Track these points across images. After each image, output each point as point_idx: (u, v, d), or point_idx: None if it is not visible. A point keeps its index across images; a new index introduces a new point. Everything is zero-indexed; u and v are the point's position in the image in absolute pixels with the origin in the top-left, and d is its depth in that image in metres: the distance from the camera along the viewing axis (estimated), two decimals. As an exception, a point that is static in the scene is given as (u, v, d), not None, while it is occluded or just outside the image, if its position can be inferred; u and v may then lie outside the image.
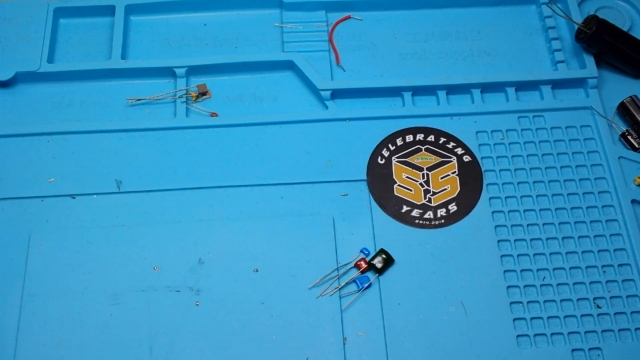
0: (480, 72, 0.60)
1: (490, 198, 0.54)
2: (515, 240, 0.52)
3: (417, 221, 0.53)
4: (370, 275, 0.51)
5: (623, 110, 0.58)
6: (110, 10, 0.62)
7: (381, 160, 0.56)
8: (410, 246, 0.52)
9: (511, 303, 0.50)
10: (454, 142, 0.56)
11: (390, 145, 0.56)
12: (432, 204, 0.54)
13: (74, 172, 0.55)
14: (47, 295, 0.50)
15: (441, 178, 0.55)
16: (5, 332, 0.49)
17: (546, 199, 0.54)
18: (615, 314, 0.50)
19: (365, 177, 0.55)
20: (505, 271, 0.51)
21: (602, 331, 0.49)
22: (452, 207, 0.54)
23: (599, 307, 0.50)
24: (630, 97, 0.58)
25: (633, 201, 0.54)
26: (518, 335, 0.49)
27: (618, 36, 0.59)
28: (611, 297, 0.51)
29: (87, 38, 0.62)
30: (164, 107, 0.58)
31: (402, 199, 0.54)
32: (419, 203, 0.54)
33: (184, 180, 0.54)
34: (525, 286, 0.51)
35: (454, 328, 0.49)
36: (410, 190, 0.54)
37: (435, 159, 0.56)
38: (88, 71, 0.59)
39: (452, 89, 0.59)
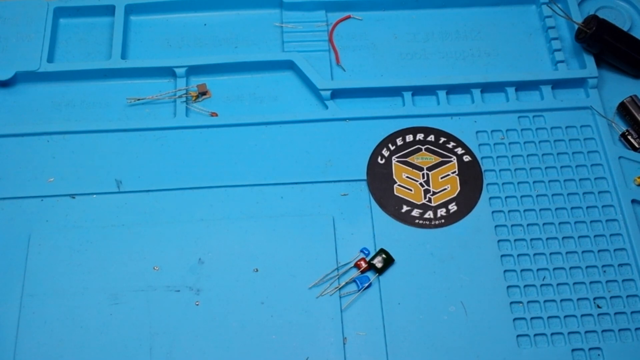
0: (480, 72, 0.60)
1: (490, 198, 0.54)
2: (515, 240, 0.52)
3: (417, 221, 0.53)
4: (370, 275, 0.51)
5: (623, 110, 0.58)
6: (110, 10, 0.62)
7: (381, 160, 0.56)
8: (410, 246, 0.52)
9: (511, 303, 0.50)
10: (454, 142, 0.56)
11: (390, 145, 0.56)
12: (432, 204, 0.54)
13: (74, 172, 0.55)
14: (47, 295, 0.50)
15: (441, 178, 0.55)
16: (5, 332, 0.48)
17: (546, 198, 0.54)
18: (615, 313, 0.50)
19: (365, 177, 0.55)
20: (505, 271, 0.51)
21: (602, 331, 0.49)
22: (452, 207, 0.54)
23: (599, 307, 0.50)
24: (630, 97, 0.58)
25: (633, 201, 0.54)
26: (518, 335, 0.49)
27: (618, 36, 0.59)
28: (611, 297, 0.50)
29: (87, 38, 0.62)
30: (163, 107, 0.58)
31: (402, 198, 0.54)
32: (419, 203, 0.54)
33: (184, 180, 0.54)
34: (525, 286, 0.51)
35: (454, 328, 0.49)
36: (410, 190, 0.54)
37: (435, 159, 0.56)
38: (88, 71, 0.59)
39: (452, 89, 0.59)
